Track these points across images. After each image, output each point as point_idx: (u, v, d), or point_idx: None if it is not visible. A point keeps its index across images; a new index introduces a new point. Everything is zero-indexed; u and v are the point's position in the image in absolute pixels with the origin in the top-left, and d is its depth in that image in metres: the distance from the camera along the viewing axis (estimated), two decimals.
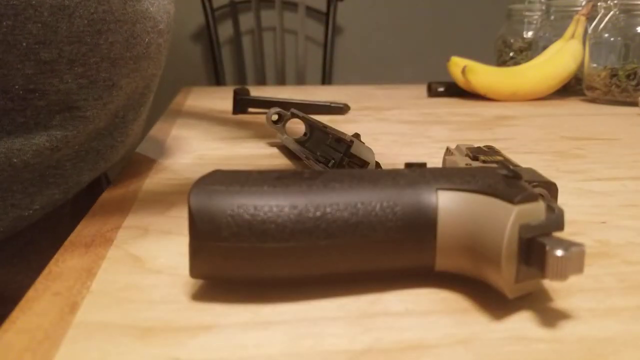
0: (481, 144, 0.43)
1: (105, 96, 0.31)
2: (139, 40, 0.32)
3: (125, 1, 0.31)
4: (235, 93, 0.60)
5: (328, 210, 0.17)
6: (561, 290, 0.19)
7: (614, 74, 0.67)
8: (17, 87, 0.27)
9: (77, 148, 0.31)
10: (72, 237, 0.24)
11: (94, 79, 0.30)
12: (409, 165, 0.20)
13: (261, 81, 1.61)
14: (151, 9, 0.33)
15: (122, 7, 0.30)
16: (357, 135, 0.30)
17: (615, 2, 0.68)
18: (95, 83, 0.30)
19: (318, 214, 0.17)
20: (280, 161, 0.38)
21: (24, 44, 0.27)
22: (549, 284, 0.19)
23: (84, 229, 0.25)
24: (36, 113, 0.29)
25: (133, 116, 0.35)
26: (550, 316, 0.17)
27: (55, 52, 0.28)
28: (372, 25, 1.74)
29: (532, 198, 0.17)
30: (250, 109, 0.61)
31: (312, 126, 0.38)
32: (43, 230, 0.33)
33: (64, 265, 0.21)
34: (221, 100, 0.74)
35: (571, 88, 0.76)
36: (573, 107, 0.67)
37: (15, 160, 0.28)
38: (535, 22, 0.86)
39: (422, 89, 0.83)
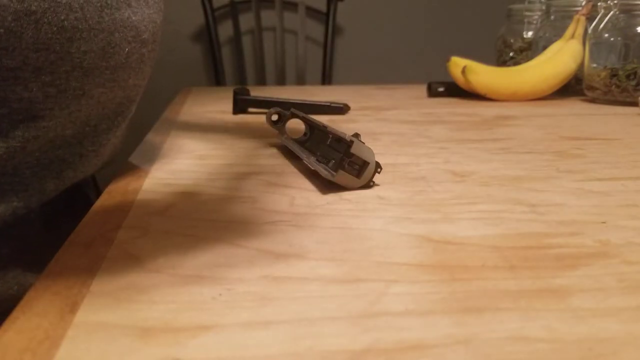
0: (481, 144, 0.43)
1: (73, 105, 0.30)
2: (117, 50, 0.31)
3: (101, 9, 0.29)
4: (235, 93, 0.60)
5: None
6: (561, 290, 0.19)
7: (614, 74, 0.67)
8: None
9: (37, 155, 0.30)
10: (72, 237, 0.24)
11: (63, 88, 0.29)
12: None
13: (261, 81, 1.61)
14: (133, 17, 0.32)
15: (98, 16, 0.29)
16: (357, 135, 0.30)
17: (615, 2, 0.68)
18: (64, 92, 0.29)
19: None
20: (280, 161, 0.38)
21: None
22: (550, 279, 0.19)
23: (84, 229, 0.25)
24: None
25: (107, 125, 0.34)
26: (550, 316, 0.17)
27: (20, 59, 0.26)
28: (372, 25, 1.74)
29: None
30: (250, 109, 0.61)
31: (312, 126, 0.38)
32: (7, 239, 0.32)
33: (64, 265, 0.21)
34: (221, 100, 0.74)
35: (571, 88, 0.76)
36: (573, 107, 0.67)
37: None
38: (535, 22, 0.86)
39: (422, 89, 0.83)
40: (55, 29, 0.27)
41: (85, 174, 0.34)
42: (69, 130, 0.31)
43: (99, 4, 0.29)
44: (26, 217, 0.31)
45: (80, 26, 0.28)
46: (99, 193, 0.43)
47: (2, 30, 0.25)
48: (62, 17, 0.27)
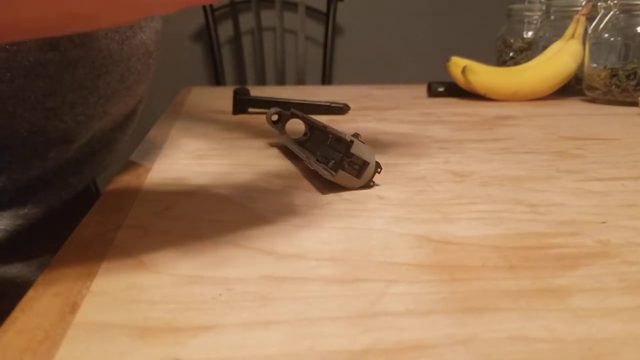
0: (481, 144, 0.43)
1: (97, 125, 0.33)
2: (133, 71, 0.34)
3: (122, 43, 0.32)
4: (235, 93, 0.60)
5: None
6: (561, 290, 0.19)
7: (614, 74, 0.67)
8: (22, 130, 0.29)
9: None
10: (72, 237, 0.24)
11: (91, 114, 0.32)
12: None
13: (261, 81, 1.61)
14: (144, 37, 0.34)
15: (120, 48, 0.32)
16: (357, 135, 0.30)
17: (615, 2, 0.68)
18: (91, 118, 0.32)
19: None
20: (280, 161, 0.38)
21: (33, 97, 0.28)
22: (550, 279, 0.19)
23: (84, 229, 0.25)
24: (34, 146, 0.30)
25: (111, 126, 0.36)
26: (550, 316, 0.17)
27: (59, 100, 0.29)
28: (372, 25, 1.75)
29: None
30: (250, 109, 0.61)
31: (312, 126, 0.38)
32: (42, 230, 0.34)
33: (64, 265, 0.21)
34: (221, 100, 0.74)
35: (571, 88, 0.76)
36: (573, 107, 0.67)
37: (7, 186, 0.30)
38: (535, 22, 0.86)
39: (422, 89, 0.83)
40: (87, 70, 0.30)
41: (103, 167, 0.37)
42: (85, 139, 0.34)
43: (119, 39, 0.32)
44: (55, 213, 0.34)
45: (106, 62, 0.31)
46: (97, 188, 0.46)
47: (47, 79, 0.28)
48: (93, 59, 0.30)
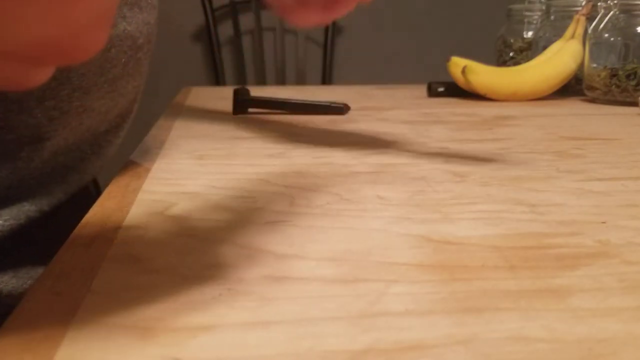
0: (481, 144, 0.43)
1: (75, 121, 0.31)
2: (115, 63, 0.31)
3: None
4: (236, 93, 0.60)
5: None
6: (561, 290, 0.19)
7: (614, 74, 0.67)
8: None
9: (40, 166, 0.31)
10: (72, 237, 0.24)
11: (66, 109, 0.29)
12: None
13: (261, 81, 1.61)
14: (128, 28, 0.32)
15: None
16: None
17: (615, 2, 0.68)
18: (67, 113, 0.30)
19: None
20: (280, 161, 0.38)
21: None
22: (550, 279, 0.19)
23: (84, 229, 0.25)
24: (3, 146, 0.28)
25: (106, 128, 0.35)
26: (550, 316, 0.17)
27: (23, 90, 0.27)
28: (372, 25, 1.74)
29: None
30: (251, 109, 0.61)
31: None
32: (23, 241, 0.32)
33: (64, 265, 0.21)
34: (221, 100, 0.74)
35: (571, 88, 0.76)
36: (573, 107, 0.67)
37: None
38: (535, 22, 0.86)
39: (422, 89, 0.83)
40: None
41: (91, 176, 0.34)
42: (70, 140, 0.31)
43: None
44: (40, 221, 0.32)
45: None
46: (97, 186, 0.44)
47: None
48: None
